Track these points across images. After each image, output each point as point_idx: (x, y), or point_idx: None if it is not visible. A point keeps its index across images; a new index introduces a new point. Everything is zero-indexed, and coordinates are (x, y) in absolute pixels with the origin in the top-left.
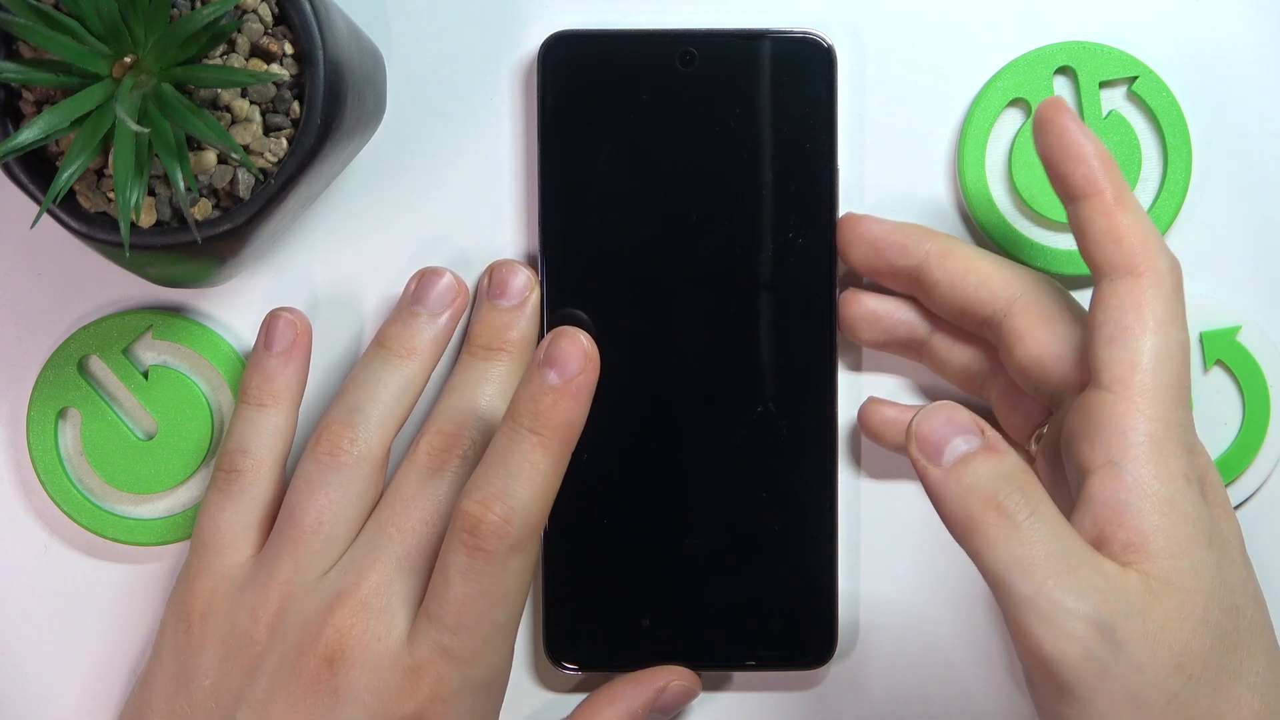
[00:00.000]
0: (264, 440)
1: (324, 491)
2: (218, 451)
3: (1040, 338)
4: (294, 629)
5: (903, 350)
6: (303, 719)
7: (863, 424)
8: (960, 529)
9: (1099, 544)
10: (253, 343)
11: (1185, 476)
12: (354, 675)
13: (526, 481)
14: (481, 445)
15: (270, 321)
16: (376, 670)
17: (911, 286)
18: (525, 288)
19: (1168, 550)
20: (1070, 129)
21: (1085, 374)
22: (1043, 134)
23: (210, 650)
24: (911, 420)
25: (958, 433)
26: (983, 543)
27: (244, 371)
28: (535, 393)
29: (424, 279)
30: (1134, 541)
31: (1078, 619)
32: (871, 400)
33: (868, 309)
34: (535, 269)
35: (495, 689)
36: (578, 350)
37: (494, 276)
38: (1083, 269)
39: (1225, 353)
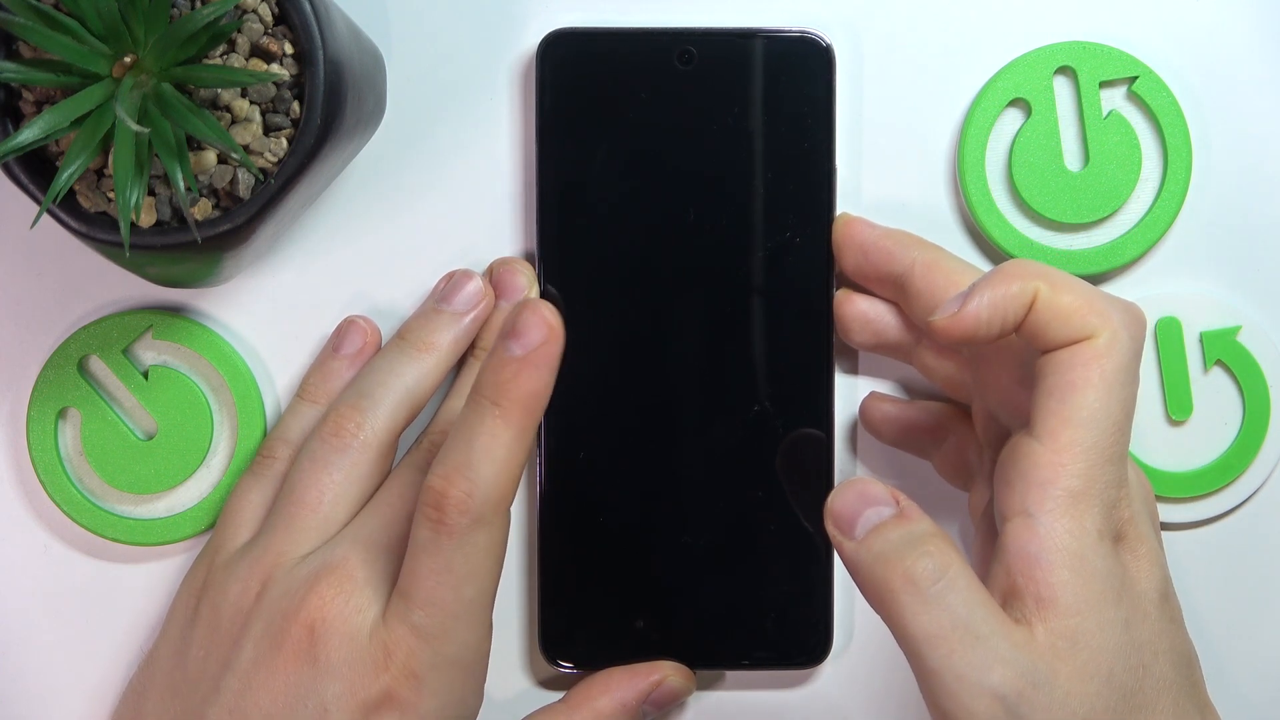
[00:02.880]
0: (307, 435)
1: (326, 471)
2: (262, 439)
3: (1007, 368)
4: (279, 598)
5: (893, 353)
6: (283, 687)
7: (864, 419)
8: (873, 598)
9: (1011, 595)
10: (255, 343)
11: (1099, 532)
12: (333, 646)
13: (489, 455)
14: None
15: (344, 326)
16: (354, 643)
17: (897, 294)
18: (526, 287)
19: (1075, 607)
20: (973, 310)
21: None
22: (958, 331)
23: (205, 622)
24: (828, 498)
25: (870, 505)
26: (893, 612)
27: (308, 369)
28: (497, 364)
29: (453, 280)
30: (1044, 596)
31: (982, 694)
32: (873, 395)
33: (859, 310)
34: (533, 266)
35: (471, 668)
36: (539, 320)
37: (494, 277)
38: (1081, 269)
39: (1225, 353)
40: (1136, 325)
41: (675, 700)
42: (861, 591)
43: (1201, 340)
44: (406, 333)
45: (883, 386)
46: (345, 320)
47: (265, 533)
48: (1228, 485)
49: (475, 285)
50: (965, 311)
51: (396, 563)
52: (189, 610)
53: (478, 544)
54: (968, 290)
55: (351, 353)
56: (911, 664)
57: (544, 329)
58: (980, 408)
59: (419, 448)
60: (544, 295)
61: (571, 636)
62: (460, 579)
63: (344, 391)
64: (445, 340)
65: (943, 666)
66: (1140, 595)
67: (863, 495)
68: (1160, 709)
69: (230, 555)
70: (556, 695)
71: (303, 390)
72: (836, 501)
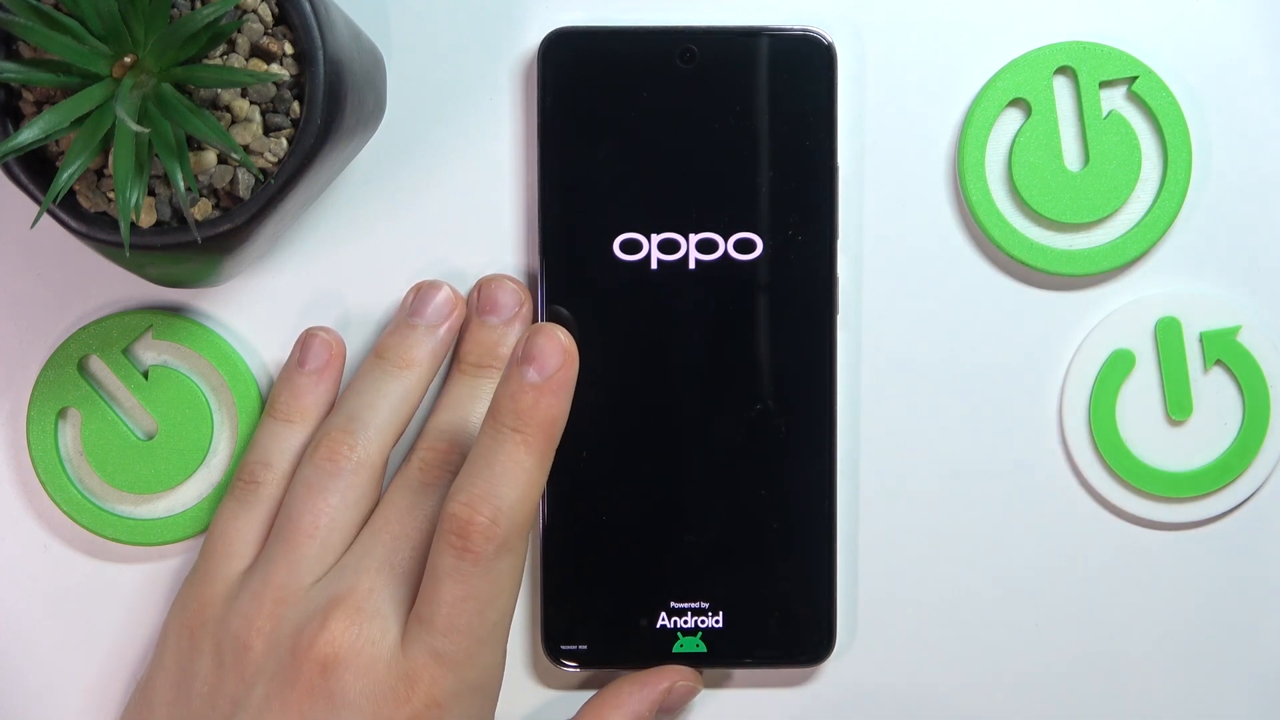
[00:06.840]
0: (287, 455)
1: (323, 497)
2: (239, 462)
3: None
4: (288, 635)
5: None
6: None
7: None
8: None
9: None
10: (255, 343)
11: None
12: (348, 680)
13: (512, 481)
14: None
15: (306, 339)
16: (371, 674)
17: None
18: (516, 303)
19: None
20: None
21: None
22: None
23: (208, 656)
24: None
25: None
26: None
27: (274, 385)
28: (515, 391)
29: (421, 292)
30: None
31: None
32: None
33: None
34: (532, 272)
35: (489, 691)
36: (555, 346)
37: (483, 292)
38: (1081, 269)
39: (1225, 353)
40: None
41: (684, 703)
42: None
43: (1201, 340)
44: (384, 350)
45: (884, 383)
46: (305, 333)
47: (264, 563)
48: (1228, 485)
49: (444, 294)
50: None
51: (403, 587)
52: (183, 641)
53: (502, 570)
54: None
55: (318, 367)
56: None
57: (560, 354)
58: None
59: (409, 466)
60: (554, 316)
61: (574, 635)
62: (484, 604)
63: (331, 415)
64: (424, 355)
65: None
66: None
67: None
68: None
69: (228, 586)
70: (560, 694)
71: (272, 408)
72: None
